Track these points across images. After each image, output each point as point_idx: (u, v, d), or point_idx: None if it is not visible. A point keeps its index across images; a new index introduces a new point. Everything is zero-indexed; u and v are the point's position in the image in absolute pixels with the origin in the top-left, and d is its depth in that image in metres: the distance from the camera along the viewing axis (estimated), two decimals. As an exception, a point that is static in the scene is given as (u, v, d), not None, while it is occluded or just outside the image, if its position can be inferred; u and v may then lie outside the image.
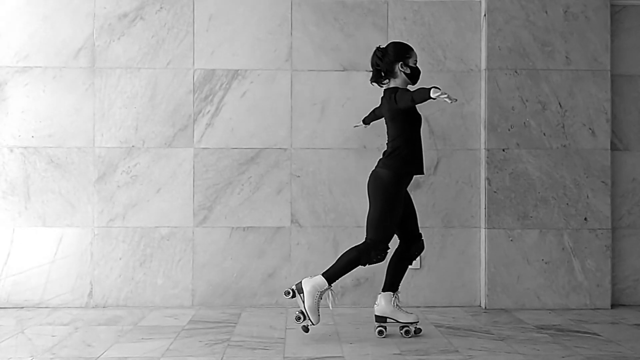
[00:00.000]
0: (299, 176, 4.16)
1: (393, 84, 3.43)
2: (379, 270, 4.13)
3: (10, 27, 4.11)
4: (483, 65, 4.16)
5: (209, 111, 4.15)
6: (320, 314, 3.30)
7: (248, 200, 4.15)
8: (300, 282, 3.35)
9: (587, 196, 4.13)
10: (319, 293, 3.29)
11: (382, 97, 3.51)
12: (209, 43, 4.16)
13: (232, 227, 4.14)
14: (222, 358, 2.93)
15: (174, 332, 3.41)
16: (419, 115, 3.45)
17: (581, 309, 4.06)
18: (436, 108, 4.16)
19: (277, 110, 4.17)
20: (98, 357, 2.92)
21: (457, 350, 3.08)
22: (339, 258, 3.39)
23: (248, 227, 4.15)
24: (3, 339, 3.25)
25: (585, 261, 4.12)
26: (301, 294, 3.30)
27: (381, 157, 3.46)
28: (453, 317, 3.85)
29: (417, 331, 3.42)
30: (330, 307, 3.36)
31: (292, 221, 4.16)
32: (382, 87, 3.48)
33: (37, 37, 4.12)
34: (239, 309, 4.04)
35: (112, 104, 4.13)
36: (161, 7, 4.14)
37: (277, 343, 3.20)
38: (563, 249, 4.12)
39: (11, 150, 4.10)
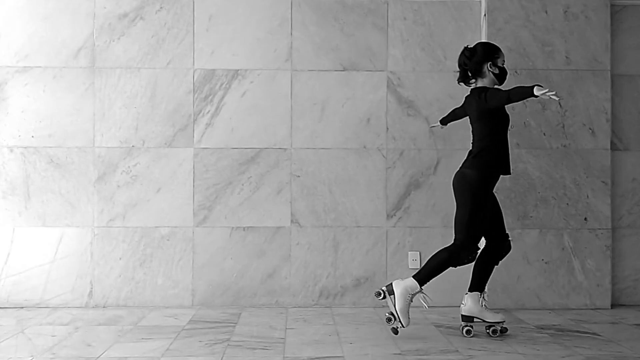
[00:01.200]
0: (299, 176, 4.17)
1: (480, 83, 3.44)
2: (379, 270, 4.14)
3: (10, 27, 4.12)
4: (483, 65, 4.16)
5: (209, 111, 4.15)
6: (410, 316, 3.33)
7: (248, 200, 4.15)
8: (391, 283, 3.37)
9: (587, 196, 4.13)
10: (410, 295, 3.33)
11: (466, 97, 3.53)
12: (209, 43, 4.16)
13: (232, 227, 4.14)
14: (222, 358, 2.93)
15: (174, 332, 3.41)
16: (507, 115, 3.45)
17: (581, 309, 4.06)
18: (436, 108, 4.17)
19: (277, 110, 4.17)
20: (98, 357, 2.93)
21: (457, 350, 3.09)
22: (429, 260, 3.42)
23: (248, 227, 4.15)
24: (3, 339, 3.25)
25: (585, 261, 4.12)
26: (392, 296, 3.32)
27: (467, 156, 3.47)
28: (453, 317, 3.85)
29: (503, 330, 3.43)
30: (426, 307, 3.41)
31: (292, 221, 4.16)
32: (470, 86, 3.50)
33: (37, 37, 4.12)
34: (239, 309, 4.04)
35: (112, 104, 4.13)
36: (161, 7, 4.14)
37: (277, 343, 3.20)
38: (563, 249, 4.12)
39: (11, 150, 4.10)
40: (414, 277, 3.36)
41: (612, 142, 4.18)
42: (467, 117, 3.57)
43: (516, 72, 4.11)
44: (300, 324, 3.65)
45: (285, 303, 4.14)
